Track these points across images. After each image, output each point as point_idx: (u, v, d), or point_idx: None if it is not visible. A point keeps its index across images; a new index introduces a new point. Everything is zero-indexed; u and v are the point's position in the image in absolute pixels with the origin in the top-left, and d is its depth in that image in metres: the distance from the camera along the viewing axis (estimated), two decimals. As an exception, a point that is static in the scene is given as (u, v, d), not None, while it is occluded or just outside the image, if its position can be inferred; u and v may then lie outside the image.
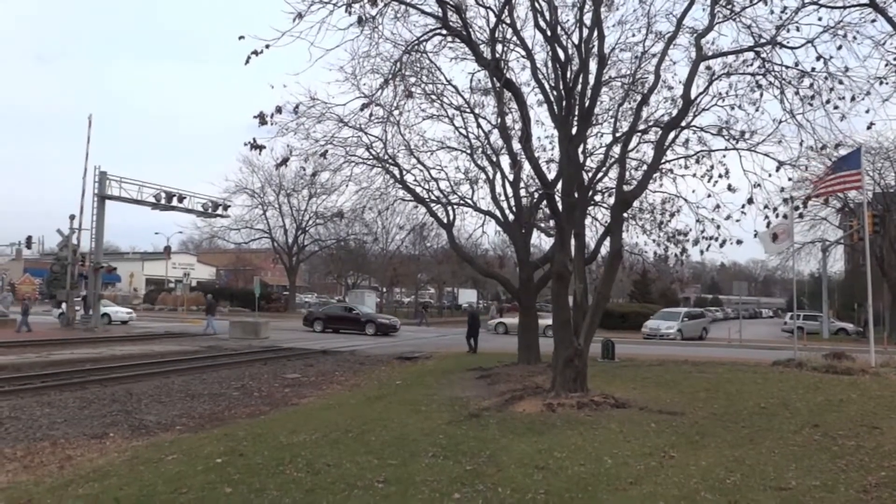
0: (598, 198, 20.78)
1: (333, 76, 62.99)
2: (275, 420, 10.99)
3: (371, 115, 12.18)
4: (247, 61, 9.65)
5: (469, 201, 21.05)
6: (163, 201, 34.52)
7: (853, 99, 11.81)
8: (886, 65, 11.23)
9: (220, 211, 39.02)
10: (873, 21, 11.21)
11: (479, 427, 9.98)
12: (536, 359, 19.10)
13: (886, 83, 11.37)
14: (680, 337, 37.31)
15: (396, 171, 19.89)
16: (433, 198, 20.76)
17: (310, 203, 57.75)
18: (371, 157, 19.20)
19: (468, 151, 20.86)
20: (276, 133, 14.18)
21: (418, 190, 20.44)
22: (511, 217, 20.10)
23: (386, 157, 19.13)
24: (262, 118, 10.05)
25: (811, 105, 12.50)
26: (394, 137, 19.31)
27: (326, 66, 67.28)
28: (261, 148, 10.10)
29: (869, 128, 12.19)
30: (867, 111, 11.54)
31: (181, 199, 35.35)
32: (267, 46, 9.71)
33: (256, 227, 59.18)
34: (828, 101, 12.15)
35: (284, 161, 12.46)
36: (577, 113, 13.56)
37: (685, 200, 17.18)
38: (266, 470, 7.63)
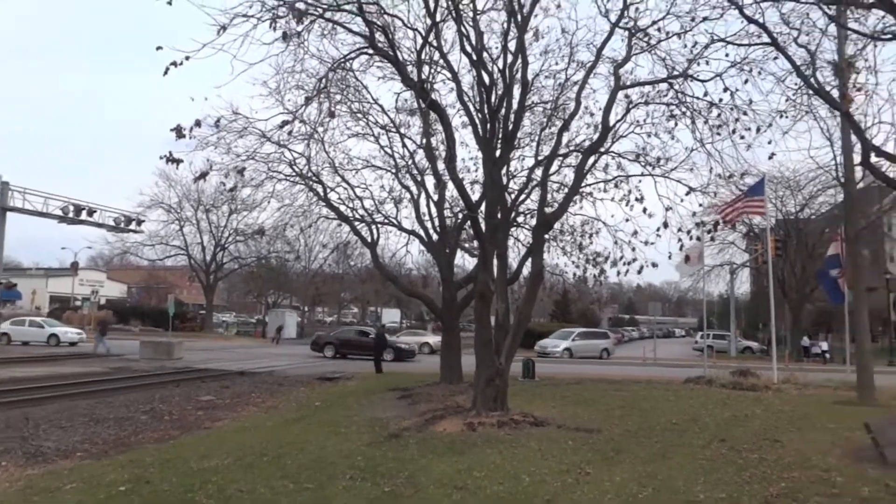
0: (520, 219, 21.14)
1: (257, 90, 61.93)
2: (185, 445, 10.53)
3: (291, 132, 11.98)
4: (165, 72, 9.36)
5: (393, 220, 21.04)
6: (71, 214, 32.90)
7: (758, 130, 12.61)
8: (787, 100, 12.02)
9: (133, 226, 37.55)
10: (775, 59, 11.99)
11: (399, 448, 9.89)
12: (458, 378, 19.12)
13: (786, 117, 12.16)
14: (568, 356, 37.63)
15: (320, 189, 19.67)
16: (357, 216, 20.64)
17: (230, 219, 56.22)
18: (294, 173, 18.92)
19: (393, 171, 20.89)
20: (196, 146, 13.77)
21: (342, 208, 20.33)
22: (435, 237, 20.18)
23: (309, 174, 18.90)
24: (178, 131, 9.72)
25: (719, 134, 13.23)
26: (318, 154, 19.15)
27: (250, 80, 66.20)
28: (178, 162, 9.77)
29: (770, 157, 13.06)
30: (769, 142, 12.39)
31: (91, 212, 33.80)
32: (187, 58, 9.45)
33: (172, 243, 57.05)
34: (734, 132, 12.90)
35: (203, 175, 12.11)
36: (500, 136, 13.82)
37: (604, 223, 17.75)
38: (174, 497, 7.30)
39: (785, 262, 43.73)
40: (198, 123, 10.33)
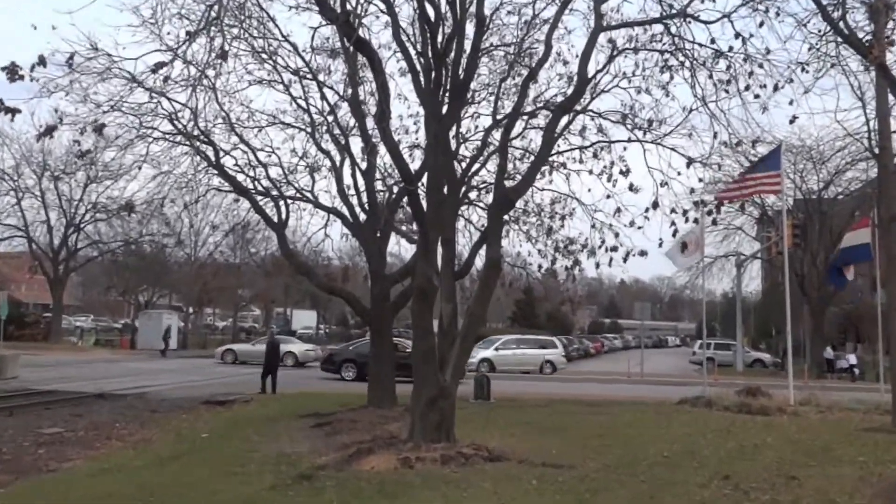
0: (472, 195, 21.33)
1: (125, 19, 60.47)
2: (20, 495, 10.28)
3: (171, 77, 11.67)
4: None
5: (308, 195, 21.01)
6: None
7: (775, 88, 12.76)
8: (810, 49, 12.35)
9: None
10: (796, -5, 12.33)
11: (313, 492, 9.88)
12: (391, 400, 19.24)
13: (808, 70, 12.49)
14: (488, 369, 38.18)
15: (210, 152, 19.44)
16: (260, 189, 20.51)
17: (87, 191, 54.49)
18: (175, 131, 18.58)
19: (308, 130, 20.80)
20: (39, 92, 13.30)
21: (240, 178, 20.16)
22: (363, 217, 20.23)
23: (196, 132, 18.56)
24: (13, 72, 9.36)
25: (726, 92, 13.49)
26: (208, 107, 18.83)
27: (115, 5, 64.45)
28: (13, 112, 9.43)
29: (792, 122, 13.40)
30: (790, 102, 12.61)
31: None
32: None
33: (6, 221, 55.19)
34: (746, 88, 13.12)
35: (49, 131, 11.70)
36: (448, 87, 13.84)
37: (579, 202, 18.13)
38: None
39: (805, 253, 45.21)
40: (42, 61, 9.98)
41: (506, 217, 17.55)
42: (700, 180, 14.94)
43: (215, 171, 19.76)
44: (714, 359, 44.71)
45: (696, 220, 18.09)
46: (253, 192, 20.22)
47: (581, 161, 17.96)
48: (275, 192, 20.62)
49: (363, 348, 33.99)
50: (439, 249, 13.63)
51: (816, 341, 47.50)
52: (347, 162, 20.49)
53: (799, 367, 37.13)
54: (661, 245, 15.11)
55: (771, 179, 21.16)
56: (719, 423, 17.42)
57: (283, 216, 20.44)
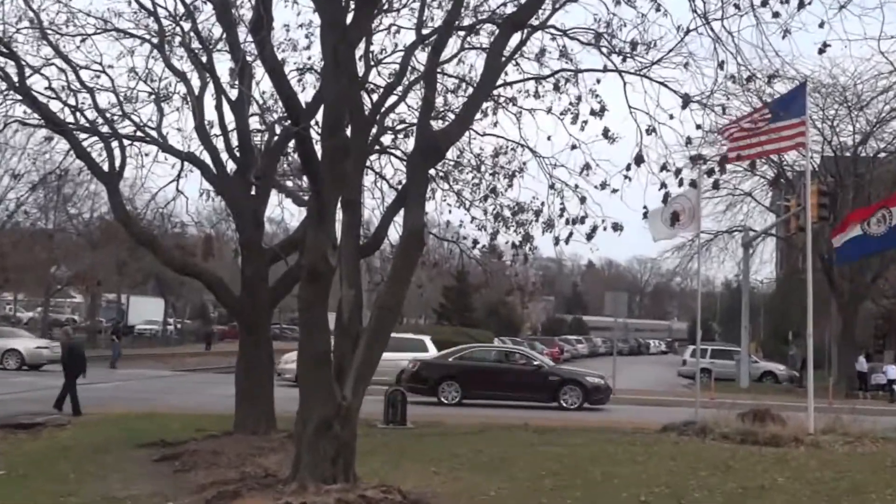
0: (387, 140, 21.23)
1: None
2: None
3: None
4: None
5: (154, 133, 20.79)
6: None
7: (801, 4, 12.77)
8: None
9: None
10: None
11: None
12: (269, 422, 19.15)
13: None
14: None
15: (12, 69, 19.19)
16: (85, 123, 20.23)
17: None
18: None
19: (153, 40, 20.44)
20: None
21: (55, 106, 19.88)
22: (232, 167, 20.11)
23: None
24: None
25: (736, 7, 13.48)
26: (7, 2, 18.45)
27: None
28: None
29: (822, 51, 13.41)
30: (821, 24, 12.60)
31: None
32: None
33: None
34: (763, 3, 13.15)
35: None
36: (354, -14, 13.70)
37: (534, 153, 18.17)
38: None
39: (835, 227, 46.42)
40: None
41: (432, 172, 17.51)
42: (698, 127, 14.98)
43: (19, 97, 19.45)
44: (711, 370, 45.61)
45: (692, 183, 18.34)
46: (73, 127, 19.88)
47: (537, 96, 18.03)
48: (105, 129, 20.22)
49: (472, 357, 34.39)
50: (338, 214, 13.53)
51: (846, 348, 48.48)
52: (210, 88, 20.23)
53: (822, 382, 37.91)
54: (645, 216, 15.27)
55: (791, 129, 21.52)
56: (716, 458, 17.76)
57: (118, 163, 20.06)
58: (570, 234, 16.00)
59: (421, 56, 17.93)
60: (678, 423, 23.13)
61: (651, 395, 39.47)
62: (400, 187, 18.82)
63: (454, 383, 32.18)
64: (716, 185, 19.50)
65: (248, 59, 17.63)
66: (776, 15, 13.11)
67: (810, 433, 21.02)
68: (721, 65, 13.84)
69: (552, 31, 16.92)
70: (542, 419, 26.13)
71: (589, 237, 15.74)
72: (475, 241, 20.71)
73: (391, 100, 20.00)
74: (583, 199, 16.09)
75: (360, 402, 12.99)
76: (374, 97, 19.72)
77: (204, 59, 20.18)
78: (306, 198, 17.11)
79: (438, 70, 15.84)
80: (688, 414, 24.75)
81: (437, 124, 15.79)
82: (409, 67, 18.72)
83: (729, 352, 56.39)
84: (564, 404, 31.40)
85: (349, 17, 13.68)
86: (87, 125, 20.24)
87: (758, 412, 22.68)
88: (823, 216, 34.07)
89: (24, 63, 19.34)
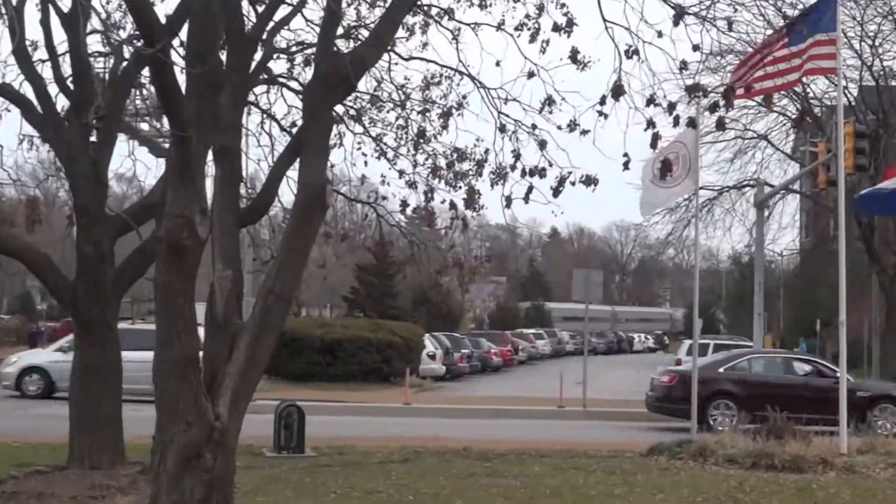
0: (277, 67, 21.19)
1: None
2: None
3: None
4: None
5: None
6: None
7: None
8: None
9: None
10: None
11: None
12: (115, 453, 19.06)
13: None
14: (41, 387, 39.25)
15: None
16: None
17: None
18: None
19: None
20: None
21: None
22: (64, 104, 20.00)
23: None
24: None
25: None
26: None
27: None
28: None
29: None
30: None
31: None
32: None
33: None
34: None
35: None
36: None
37: (477, 83, 18.24)
38: None
39: (877, 181, 46.68)
40: None
41: (339, 109, 17.58)
42: (696, 48, 15.20)
43: None
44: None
45: (689, 122, 18.43)
46: None
47: (483, 6, 18.07)
48: None
49: (750, 368, 34.91)
50: (209, 168, 13.56)
51: (892, 342, 49.27)
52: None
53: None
54: (626, 166, 15.43)
55: (819, 49, 21.73)
56: (719, 489, 18.06)
57: None
58: (529, 190, 16.04)
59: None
60: (669, 443, 23.32)
61: (634, 407, 39.81)
62: (295, 131, 18.74)
63: (730, 402, 32.82)
64: (720, 125, 19.23)
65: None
66: None
67: (843, 454, 21.29)
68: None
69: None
70: (488, 440, 26.28)
71: (555, 194, 15.84)
72: (403, 203, 20.58)
73: (282, 11, 19.95)
74: (543, 144, 16.12)
75: (239, 422, 12.92)
76: (260, 8, 19.67)
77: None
78: (167, 145, 17.05)
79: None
80: (682, 431, 24.95)
81: (345, 45, 15.81)
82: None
83: (738, 348, 57.01)
84: (879, 428, 31.18)
85: None
86: None
87: (775, 428, 22.91)
88: (861, 165, 33.97)
89: None
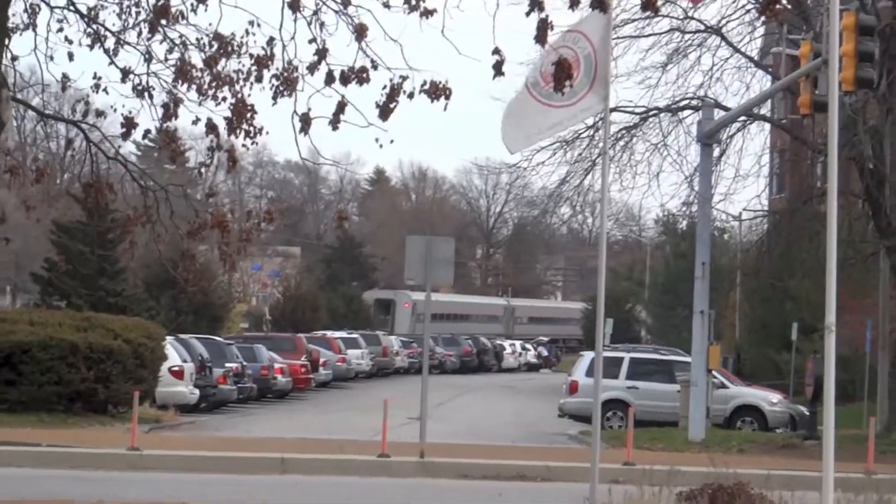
0: None
1: None
2: None
3: None
4: None
5: None
6: None
7: None
8: None
9: None
10: None
11: None
12: None
13: None
14: None
15: None
16: None
17: None
18: None
19: None
20: None
21: None
22: None
23: None
24: None
25: None
26: None
27: None
28: None
29: None
30: None
31: None
32: None
33: None
34: None
35: None
36: None
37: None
38: None
39: (884, 110, 47.44)
40: None
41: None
42: None
43: None
44: (628, 403, 46.92)
45: (596, 1, 18.54)
46: None
47: None
48: None
49: None
50: None
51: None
52: None
53: (858, 426, 39.22)
54: (498, 70, 15.56)
55: None
56: None
57: None
58: (341, 107, 16.12)
59: None
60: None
61: (502, 456, 40.27)
62: None
63: None
64: (649, 6, 19.43)
65: None
66: None
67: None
68: None
69: None
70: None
71: (383, 113, 15.91)
72: (128, 122, 20.32)
73: None
74: (361, 31, 16.26)
75: None
76: None
77: None
78: None
79: None
80: (577, 495, 25.19)
81: None
82: None
83: (667, 364, 57.82)
84: None
85: None
86: None
87: (720, 490, 23.24)
88: (866, 79, 34.51)
89: None
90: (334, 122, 16.09)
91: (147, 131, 19.97)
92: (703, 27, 51.58)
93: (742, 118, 55.44)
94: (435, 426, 40.88)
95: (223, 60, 19.12)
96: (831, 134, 23.92)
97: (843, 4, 27.64)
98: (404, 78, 15.59)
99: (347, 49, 15.91)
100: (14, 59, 17.21)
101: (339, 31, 16.37)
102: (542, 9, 14.33)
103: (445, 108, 15.63)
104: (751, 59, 54.70)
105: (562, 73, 20.21)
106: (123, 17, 20.13)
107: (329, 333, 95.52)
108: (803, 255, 56.98)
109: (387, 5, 15.51)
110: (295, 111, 16.51)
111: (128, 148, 21.12)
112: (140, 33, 19.93)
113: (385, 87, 15.67)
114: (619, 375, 50.38)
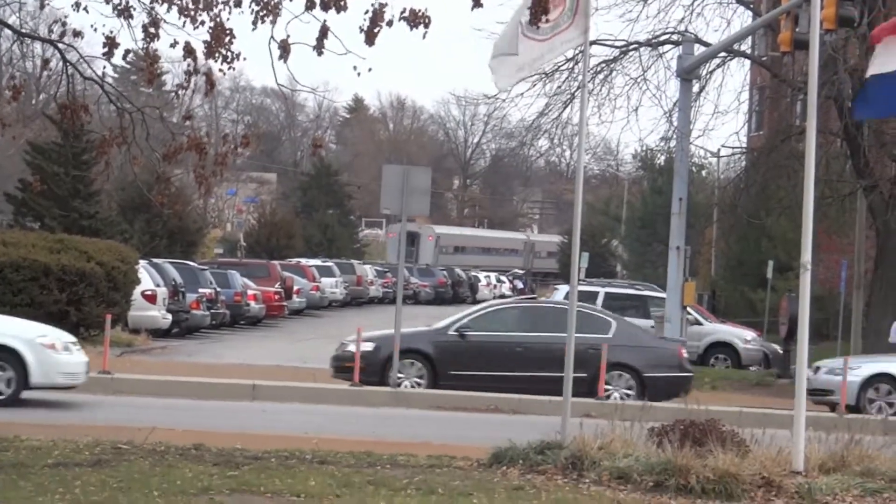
0: None
1: None
2: None
3: None
4: None
5: None
6: None
7: None
8: None
9: None
10: None
11: None
12: None
13: None
14: None
15: None
16: None
17: None
18: None
19: None
20: None
21: None
22: None
23: None
24: None
25: None
26: None
27: None
28: None
29: None
30: None
31: None
32: None
33: None
34: None
35: None
36: None
37: None
38: None
39: (866, 57, 47.40)
40: None
41: None
42: None
43: None
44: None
45: None
46: None
47: None
48: None
49: None
50: None
51: (882, 297, 50.66)
52: None
53: (830, 352, 39.13)
54: (476, 1, 15.48)
55: None
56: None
57: None
58: (323, 32, 16.03)
59: None
60: (525, 446, 23.40)
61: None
62: None
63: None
64: None
65: None
66: None
67: (797, 471, 21.63)
68: None
69: None
70: (239, 436, 26.18)
71: (368, 39, 15.82)
72: (109, 43, 20.12)
73: None
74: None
75: None
76: None
77: None
78: None
79: None
80: (548, 428, 25.00)
81: None
82: None
83: (642, 300, 57.71)
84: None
85: None
86: None
87: (692, 427, 23.08)
88: (847, 17, 34.44)
89: None
90: (318, 48, 16.01)
91: (127, 51, 19.78)
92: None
93: (722, 54, 55.44)
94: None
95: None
96: (811, 72, 23.87)
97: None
98: (384, 3, 15.51)
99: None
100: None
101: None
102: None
103: (424, 37, 15.57)
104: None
105: (539, 8, 20.23)
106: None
107: (303, 261, 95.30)
108: (780, 193, 57.03)
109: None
110: (273, 37, 16.40)
111: (104, 69, 20.95)
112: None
113: (367, 11, 15.60)
114: (596, 307, 50.14)
